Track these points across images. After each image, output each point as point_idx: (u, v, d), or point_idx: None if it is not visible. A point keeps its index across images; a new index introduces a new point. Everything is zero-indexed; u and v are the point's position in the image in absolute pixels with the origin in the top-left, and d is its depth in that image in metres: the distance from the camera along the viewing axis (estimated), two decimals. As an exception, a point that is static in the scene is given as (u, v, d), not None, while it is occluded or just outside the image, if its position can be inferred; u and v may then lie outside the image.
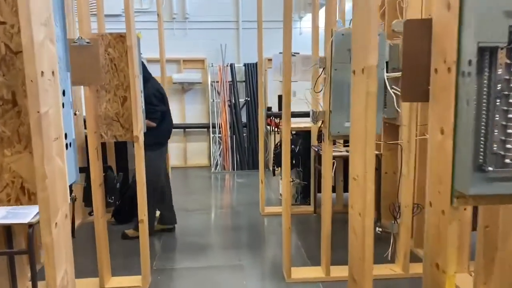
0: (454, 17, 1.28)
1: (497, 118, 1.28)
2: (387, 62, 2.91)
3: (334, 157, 3.11)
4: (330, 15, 2.82)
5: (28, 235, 2.40)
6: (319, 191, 3.96)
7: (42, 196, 1.23)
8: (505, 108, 1.27)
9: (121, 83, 2.89)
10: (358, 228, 1.60)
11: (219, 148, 7.11)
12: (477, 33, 1.23)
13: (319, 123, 3.06)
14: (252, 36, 5.96)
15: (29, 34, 1.16)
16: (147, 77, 3.63)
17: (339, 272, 3.00)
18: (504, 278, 2.22)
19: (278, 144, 5.10)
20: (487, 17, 1.23)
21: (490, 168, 1.29)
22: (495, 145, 1.29)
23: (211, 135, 7.11)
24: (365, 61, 1.48)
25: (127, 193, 4.27)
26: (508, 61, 1.25)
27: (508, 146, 1.28)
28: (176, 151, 7.17)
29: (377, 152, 3.66)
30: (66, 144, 1.41)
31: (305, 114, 4.74)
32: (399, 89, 2.79)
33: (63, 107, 1.37)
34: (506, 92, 1.27)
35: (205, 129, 7.24)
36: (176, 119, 6.92)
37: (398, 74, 2.83)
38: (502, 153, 1.29)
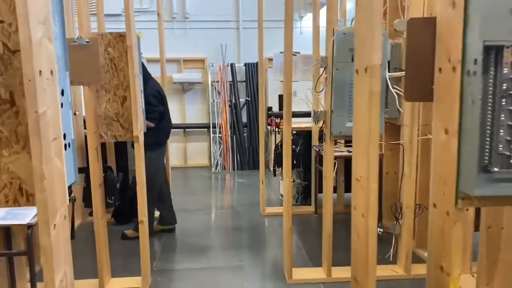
0: (459, 15, 1.26)
1: (502, 118, 1.26)
2: (388, 62, 2.89)
3: (335, 157, 3.09)
4: (331, 14, 2.80)
5: (27, 236, 2.38)
6: (320, 192, 3.94)
7: (40, 197, 1.21)
8: (511, 108, 1.25)
9: (121, 83, 2.87)
10: (361, 229, 1.58)
11: (220, 148, 7.09)
12: (482, 31, 1.21)
13: (320, 123, 3.04)
14: (252, 35, 5.94)
15: (27, 32, 1.14)
16: (146, 77, 3.61)
17: (341, 273, 2.99)
18: (507, 279, 2.20)
19: (279, 144, 5.08)
20: (493, 15, 1.21)
21: (496, 169, 1.27)
22: (500, 146, 1.27)
23: (212, 135, 7.10)
24: (369, 60, 1.46)
25: (127, 193, 4.25)
26: (514, 60, 1.23)
27: (514, 146, 1.26)
28: (176, 151, 7.15)
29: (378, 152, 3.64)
30: (65, 145, 1.39)
31: (306, 114, 4.73)
32: (400, 89, 2.77)
33: (61, 107, 1.35)
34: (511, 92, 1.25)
35: (206, 129, 7.22)
36: (176, 119, 6.93)
37: (400, 73, 2.81)
38: (508, 153, 1.27)
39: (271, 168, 6.12)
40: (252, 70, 7.01)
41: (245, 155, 7.07)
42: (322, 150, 3.46)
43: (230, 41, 7.07)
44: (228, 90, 7.03)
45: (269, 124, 5.90)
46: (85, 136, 3.28)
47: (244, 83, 7.10)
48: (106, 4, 3.27)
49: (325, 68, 2.89)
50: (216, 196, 5.78)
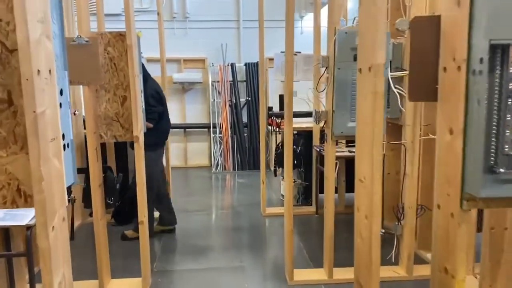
0: (465, 14, 1.24)
1: (508, 118, 1.24)
2: (390, 61, 2.87)
3: (337, 158, 3.07)
4: (333, 13, 2.78)
5: (26, 237, 2.37)
6: (321, 192, 3.92)
7: (39, 198, 1.19)
8: (517, 107, 1.23)
9: (121, 83, 2.85)
10: (364, 231, 1.56)
11: (220, 148, 7.07)
12: (488, 30, 1.19)
13: (322, 123, 3.02)
14: (253, 35, 5.92)
15: (25, 31, 1.12)
16: (145, 77, 3.59)
17: (342, 274, 2.97)
18: (510, 281, 2.18)
19: (280, 144, 5.07)
20: (499, 13, 1.19)
21: (501, 170, 1.25)
22: (506, 146, 1.25)
23: (212, 135, 7.08)
24: (373, 59, 1.44)
25: (127, 194, 4.23)
26: (521, 59, 1.21)
27: (520, 147, 1.24)
28: (177, 151, 7.13)
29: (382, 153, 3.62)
30: (64, 145, 1.37)
31: (307, 114, 4.71)
32: (402, 89, 2.75)
33: (60, 107, 1.33)
34: (518, 91, 1.23)
35: (206, 129, 7.20)
36: (176, 119, 6.92)
37: (402, 73, 2.79)
38: (514, 154, 1.25)
39: (272, 168, 6.10)
40: (252, 70, 7.00)
41: (245, 155, 7.05)
42: (323, 150, 3.44)
43: (230, 41, 7.05)
44: (229, 90, 7.01)
45: (269, 124, 5.88)
46: (85, 136, 3.26)
47: (245, 83, 7.08)
48: (106, 4, 3.25)
49: (326, 67, 2.87)
50: (216, 196, 5.76)
